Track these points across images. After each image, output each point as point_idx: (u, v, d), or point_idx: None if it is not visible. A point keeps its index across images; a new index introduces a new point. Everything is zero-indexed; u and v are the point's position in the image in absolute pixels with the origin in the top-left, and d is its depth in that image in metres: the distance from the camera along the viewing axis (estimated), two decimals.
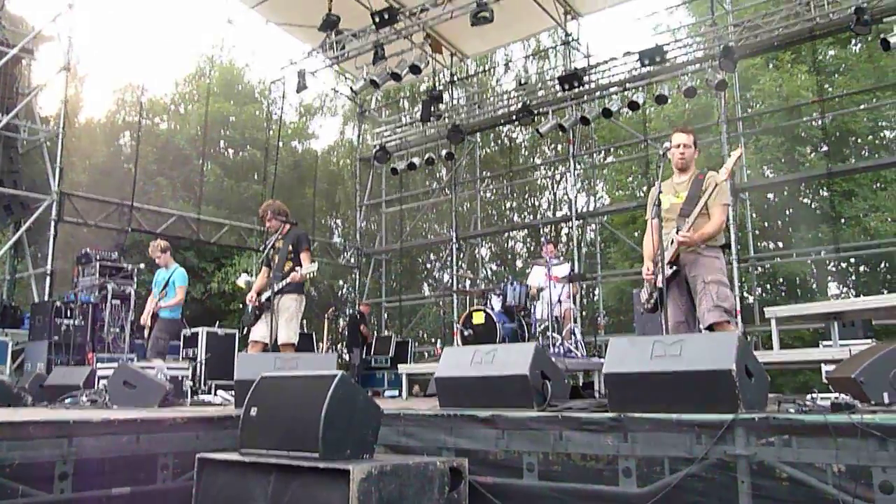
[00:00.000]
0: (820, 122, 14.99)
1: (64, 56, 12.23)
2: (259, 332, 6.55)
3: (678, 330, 4.82)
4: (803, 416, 3.27)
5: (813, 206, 17.99)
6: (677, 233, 4.84)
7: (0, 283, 13.56)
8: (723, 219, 4.89)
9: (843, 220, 16.10)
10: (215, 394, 7.99)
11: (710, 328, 4.76)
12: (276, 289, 6.40)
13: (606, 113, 12.64)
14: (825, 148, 16.65)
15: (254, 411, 3.97)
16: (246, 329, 6.85)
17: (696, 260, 4.88)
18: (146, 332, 8.16)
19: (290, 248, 6.61)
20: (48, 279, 11.46)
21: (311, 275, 6.41)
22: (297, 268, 6.40)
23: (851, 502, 3.01)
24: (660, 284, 4.80)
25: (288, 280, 6.41)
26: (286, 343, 6.41)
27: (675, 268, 4.89)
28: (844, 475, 3.07)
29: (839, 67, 17.19)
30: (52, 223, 11.60)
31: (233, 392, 6.16)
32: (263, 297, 6.49)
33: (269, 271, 6.71)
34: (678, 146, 5.03)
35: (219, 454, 3.98)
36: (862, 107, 15.20)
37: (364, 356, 13.15)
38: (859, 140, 17.35)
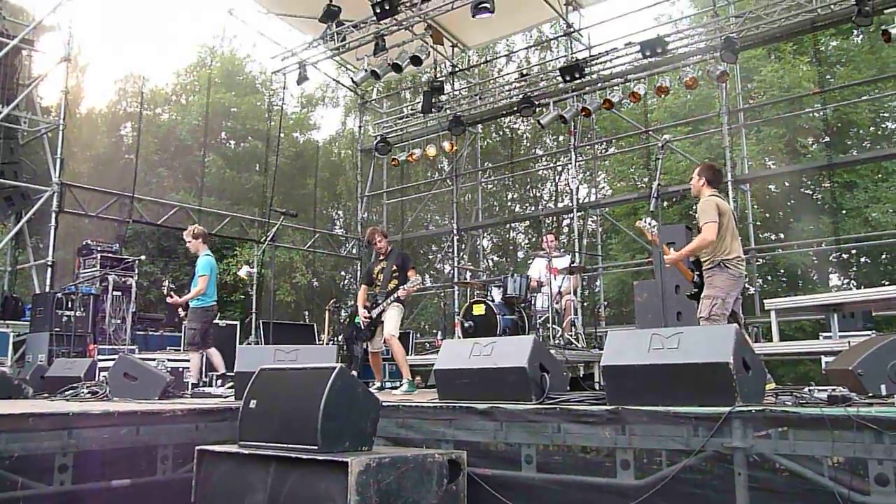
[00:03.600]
0: (821, 113, 14.94)
1: (64, 46, 12.19)
2: (377, 343, 7.28)
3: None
4: (800, 409, 3.27)
5: (814, 197, 17.96)
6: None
7: (1, 275, 13.57)
8: (705, 235, 5.40)
9: (844, 212, 16.07)
10: (216, 385, 8.01)
11: None
12: (383, 306, 7.08)
13: (608, 104, 12.60)
14: (826, 139, 16.62)
15: (253, 403, 3.98)
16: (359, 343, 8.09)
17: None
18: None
19: (395, 267, 7.22)
20: (49, 270, 11.47)
21: (418, 287, 7.18)
22: (404, 285, 7.09)
23: (847, 494, 3.02)
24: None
25: (396, 295, 7.07)
26: (390, 336, 6.99)
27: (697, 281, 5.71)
28: (841, 467, 3.08)
29: (841, 58, 17.12)
30: (53, 214, 11.59)
31: (232, 385, 6.19)
32: (374, 314, 7.14)
33: (367, 289, 7.41)
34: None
35: (218, 446, 4.00)
36: (863, 98, 15.15)
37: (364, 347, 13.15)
38: (861, 131, 17.31)
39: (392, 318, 7.03)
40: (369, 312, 7.17)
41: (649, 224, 5.65)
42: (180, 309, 8.31)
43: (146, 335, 11.34)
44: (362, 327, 7.26)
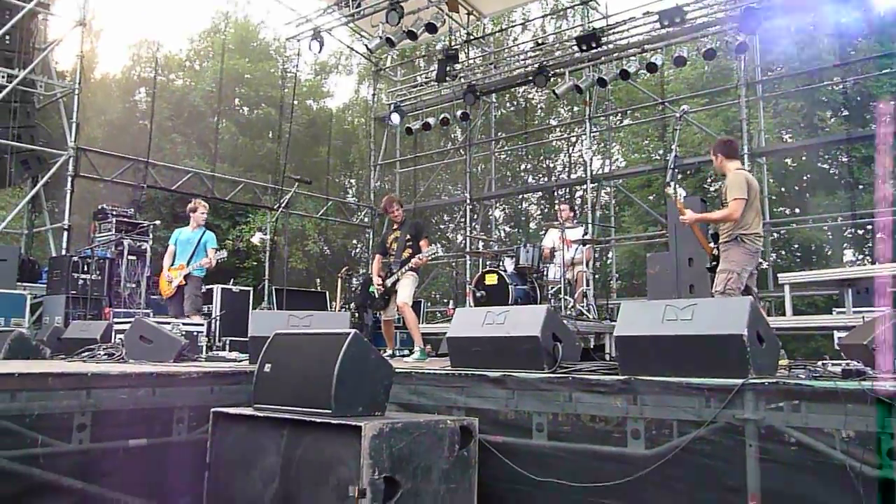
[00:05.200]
0: (841, 86, 14.70)
1: (79, 10, 12.14)
2: (391, 312, 7.26)
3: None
4: (814, 382, 3.27)
5: (831, 171, 17.75)
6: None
7: (18, 238, 13.68)
8: (731, 209, 5.42)
9: (861, 187, 15.89)
10: (229, 350, 8.08)
11: None
12: (398, 275, 7.04)
13: (624, 74, 12.47)
14: (845, 113, 16.37)
15: (268, 367, 4.01)
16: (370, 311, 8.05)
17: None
18: (169, 292, 8.19)
19: (409, 237, 7.19)
20: (65, 234, 11.55)
21: (432, 256, 7.05)
22: (419, 255, 7.00)
23: (859, 468, 3.02)
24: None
25: (410, 265, 7.02)
26: (403, 303, 6.97)
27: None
28: (853, 441, 3.08)
29: (862, 31, 16.78)
30: (69, 178, 11.64)
31: (246, 351, 6.23)
32: (389, 282, 7.10)
33: (381, 258, 7.38)
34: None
35: (233, 409, 4.04)
36: (885, 71, 14.87)
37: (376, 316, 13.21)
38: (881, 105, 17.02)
39: (406, 287, 7.02)
40: (383, 281, 7.18)
41: (675, 191, 5.79)
42: (181, 275, 8.25)
43: (160, 300, 11.41)
44: (376, 296, 7.27)
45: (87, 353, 5.90)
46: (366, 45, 14.23)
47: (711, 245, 5.79)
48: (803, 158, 17.75)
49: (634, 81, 14.09)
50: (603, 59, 12.87)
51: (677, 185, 5.79)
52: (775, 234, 15.22)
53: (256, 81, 25.18)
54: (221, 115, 22.54)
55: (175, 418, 4.25)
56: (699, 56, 12.06)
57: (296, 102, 18.52)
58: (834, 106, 16.77)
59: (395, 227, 7.38)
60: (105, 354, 5.77)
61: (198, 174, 14.50)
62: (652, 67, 12.20)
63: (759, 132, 13.20)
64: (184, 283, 8.10)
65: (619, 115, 17.92)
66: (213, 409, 4.07)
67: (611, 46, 12.71)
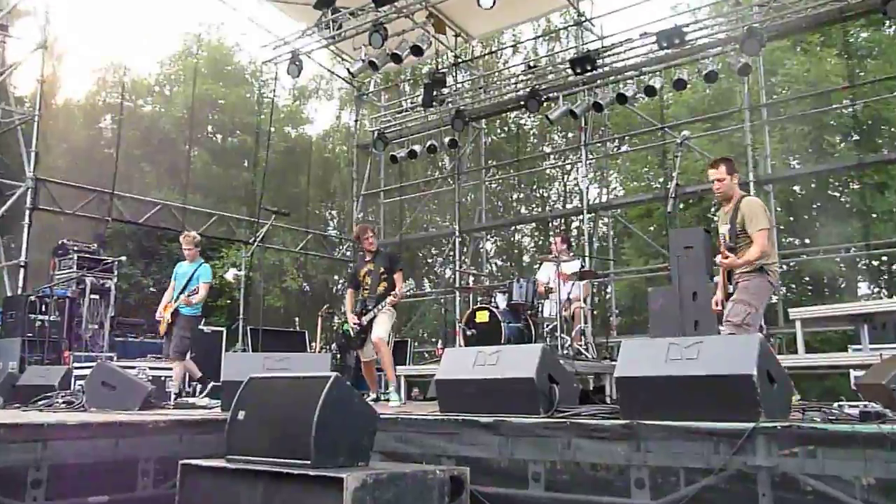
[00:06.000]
0: (850, 109, 14.92)
1: (41, 32, 12.20)
2: (369, 352, 7.21)
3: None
4: (829, 426, 3.26)
5: (842, 199, 17.93)
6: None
7: None
8: (763, 243, 5.36)
9: (874, 215, 16.05)
10: (200, 395, 8.00)
11: None
12: (374, 312, 7.03)
13: (621, 98, 12.59)
14: (856, 137, 16.59)
15: (241, 415, 3.97)
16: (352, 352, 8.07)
17: (737, 282, 5.52)
18: (162, 329, 8.19)
19: (383, 269, 7.19)
20: (22, 272, 11.46)
21: (406, 294, 7.14)
22: (394, 292, 7.04)
23: None
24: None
25: (384, 303, 7.04)
26: (378, 339, 6.96)
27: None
28: (873, 489, 3.07)
29: (871, 51, 17.11)
30: (27, 211, 11.59)
31: (218, 397, 6.17)
32: (364, 320, 7.08)
33: (355, 293, 7.38)
34: (712, 182, 5.70)
35: (204, 460, 3.98)
36: None
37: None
38: (893, 129, 17.28)
39: (382, 323, 7.02)
40: (359, 319, 7.14)
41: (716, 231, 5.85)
42: (166, 313, 8.23)
43: (125, 341, 11.33)
44: (352, 335, 7.24)
45: (43, 402, 5.83)
46: (347, 69, 14.37)
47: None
48: (812, 185, 17.92)
49: (632, 106, 14.24)
50: (598, 82, 13.03)
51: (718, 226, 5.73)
52: (784, 267, 15.31)
53: (231, 107, 25.32)
54: (193, 143, 22.61)
55: (140, 471, 4.19)
56: (700, 79, 12.21)
57: (273, 129, 18.60)
58: (843, 130, 17.01)
59: (368, 258, 7.36)
60: (64, 403, 5.70)
61: (167, 206, 14.49)
62: (650, 91, 12.33)
63: (765, 158, 13.34)
64: (171, 321, 8.07)
65: (617, 141, 18.12)
66: (181, 462, 4.00)
67: (607, 69, 12.88)
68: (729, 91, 16.47)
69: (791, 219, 18.06)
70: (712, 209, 17.30)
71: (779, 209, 14.58)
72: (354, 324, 7.15)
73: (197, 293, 8.10)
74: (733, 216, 5.51)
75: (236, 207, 18.98)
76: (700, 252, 6.86)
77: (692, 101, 17.61)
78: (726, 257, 5.41)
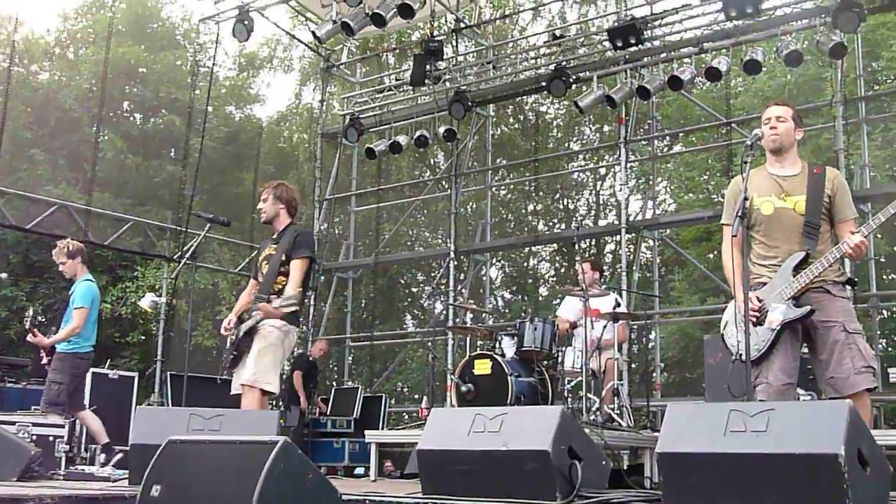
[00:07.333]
0: None
1: None
2: (236, 381, 6.43)
3: (784, 396, 4.83)
4: None
5: None
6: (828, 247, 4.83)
7: None
8: (863, 235, 4.85)
9: None
10: (101, 464, 7.98)
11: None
12: (251, 322, 6.26)
13: (674, 83, 12.66)
14: None
15: (156, 490, 3.96)
16: (222, 374, 6.77)
17: (823, 299, 4.83)
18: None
19: (284, 256, 6.40)
20: None
21: (293, 307, 6.17)
22: (278, 301, 6.09)
23: None
24: (768, 325, 4.80)
25: (256, 313, 6.23)
26: (250, 385, 6.17)
27: (809, 308, 4.79)
28: None
29: None
30: None
31: (125, 466, 6.15)
32: (242, 329, 6.28)
33: (255, 285, 6.61)
34: (769, 120, 5.02)
35: None
36: None
37: (312, 416, 13.10)
38: None
39: (258, 354, 6.22)
40: (237, 325, 6.37)
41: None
42: (43, 352, 8.25)
43: (4, 388, 11.28)
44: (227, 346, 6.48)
45: None
46: (312, 32, 14.42)
47: None
48: None
49: (689, 93, 14.36)
50: (645, 60, 13.10)
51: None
52: (885, 313, 15.36)
53: (155, 78, 25.36)
54: (103, 124, 22.64)
55: None
56: (779, 60, 12.30)
57: (210, 109, 18.69)
58: None
59: (274, 237, 6.68)
60: None
61: (65, 207, 14.48)
62: (714, 74, 12.41)
63: (863, 168, 13.41)
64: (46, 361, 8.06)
65: (668, 138, 18.23)
66: None
67: (657, 44, 12.97)
68: (817, 78, 16.61)
69: (894, 249, 18.16)
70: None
71: (879, 236, 14.65)
72: (225, 330, 6.45)
73: (70, 322, 8.03)
74: (815, 183, 4.92)
75: (158, 212, 19.00)
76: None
77: (768, 90, 17.73)
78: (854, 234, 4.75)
